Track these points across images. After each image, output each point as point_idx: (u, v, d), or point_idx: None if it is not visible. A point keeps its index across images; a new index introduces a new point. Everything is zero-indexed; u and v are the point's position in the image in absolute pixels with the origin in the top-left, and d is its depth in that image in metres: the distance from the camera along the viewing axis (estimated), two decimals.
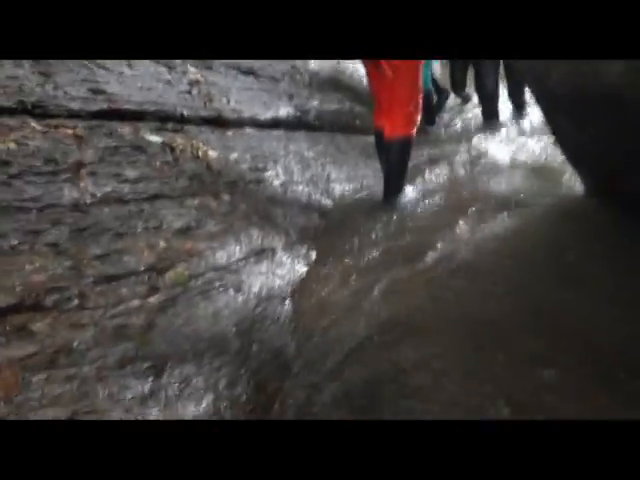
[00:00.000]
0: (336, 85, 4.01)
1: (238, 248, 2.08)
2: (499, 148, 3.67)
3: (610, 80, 1.73)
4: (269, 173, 2.59)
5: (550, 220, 2.42)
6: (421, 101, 2.66)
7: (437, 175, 3.09)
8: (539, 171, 3.26)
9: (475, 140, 3.77)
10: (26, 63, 2.10)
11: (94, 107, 2.15)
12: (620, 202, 2.16)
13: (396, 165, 2.67)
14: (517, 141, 3.73)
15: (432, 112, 4.35)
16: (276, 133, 3.04)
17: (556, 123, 2.31)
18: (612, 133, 1.90)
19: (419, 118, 2.67)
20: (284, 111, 3.19)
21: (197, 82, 2.80)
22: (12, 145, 1.76)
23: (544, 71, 2.09)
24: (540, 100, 2.35)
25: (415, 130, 2.67)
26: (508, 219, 2.40)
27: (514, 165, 3.34)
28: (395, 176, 2.69)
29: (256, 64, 3.32)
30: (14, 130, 1.82)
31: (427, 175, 3.08)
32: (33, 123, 1.90)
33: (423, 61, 2.67)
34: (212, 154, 2.41)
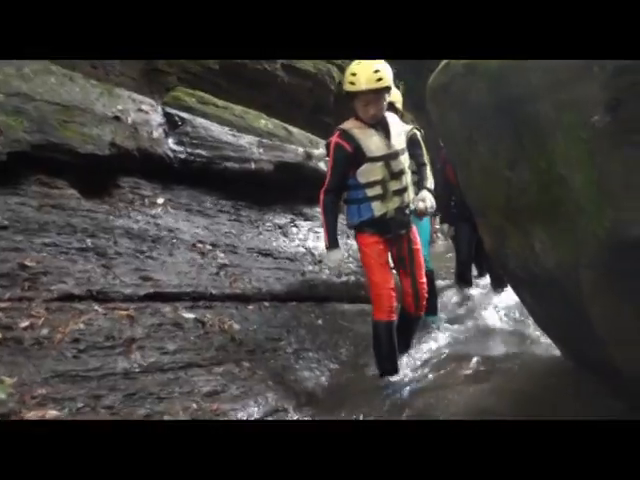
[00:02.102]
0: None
1: (256, 409, 2.43)
2: (491, 315, 4.10)
3: (549, 267, 2.22)
4: (283, 342, 3.02)
5: (528, 376, 2.78)
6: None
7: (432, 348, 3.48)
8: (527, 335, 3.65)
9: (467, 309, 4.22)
10: (93, 258, 2.68)
11: (142, 292, 2.67)
12: (582, 363, 2.52)
13: (378, 345, 2.88)
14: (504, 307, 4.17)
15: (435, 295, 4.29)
16: (290, 305, 3.52)
17: (522, 297, 2.77)
18: (561, 310, 2.33)
19: (393, 306, 2.86)
20: (297, 286, 3.71)
21: (224, 265, 3.36)
22: (82, 325, 2.25)
23: (504, 256, 2.59)
24: (507, 278, 2.83)
25: (394, 316, 2.87)
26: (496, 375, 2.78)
27: (503, 330, 3.74)
28: (379, 354, 2.90)
29: (272, 246, 3.94)
30: (83, 313, 2.32)
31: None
32: (97, 307, 2.41)
33: (374, 266, 2.86)
34: (235, 327, 2.87)
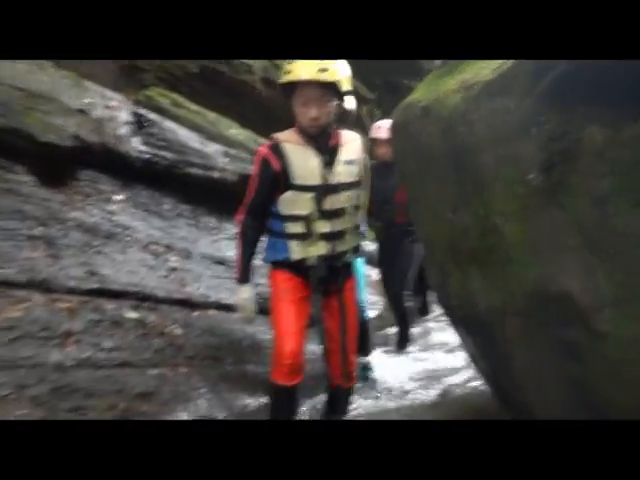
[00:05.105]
0: None
1: (186, 414, 2.45)
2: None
3: (481, 309, 2.34)
4: (223, 352, 3.06)
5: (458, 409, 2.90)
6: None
7: None
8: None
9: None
10: (41, 247, 2.67)
11: (87, 286, 2.68)
12: (506, 402, 2.65)
13: (273, 414, 2.38)
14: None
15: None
16: (236, 316, 3.55)
17: (460, 334, 2.88)
18: (490, 352, 2.45)
19: (297, 365, 2.30)
20: None
21: (175, 269, 3.39)
22: (19, 313, 2.24)
23: (446, 293, 2.71)
24: (447, 314, 2.95)
25: (296, 380, 2.29)
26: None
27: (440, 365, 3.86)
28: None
29: (227, 255, 3.97)
30: (22, 301, 2.32)
31: None
32: (38, 296, 2.41)
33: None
34: (177, 331, 2.89)
